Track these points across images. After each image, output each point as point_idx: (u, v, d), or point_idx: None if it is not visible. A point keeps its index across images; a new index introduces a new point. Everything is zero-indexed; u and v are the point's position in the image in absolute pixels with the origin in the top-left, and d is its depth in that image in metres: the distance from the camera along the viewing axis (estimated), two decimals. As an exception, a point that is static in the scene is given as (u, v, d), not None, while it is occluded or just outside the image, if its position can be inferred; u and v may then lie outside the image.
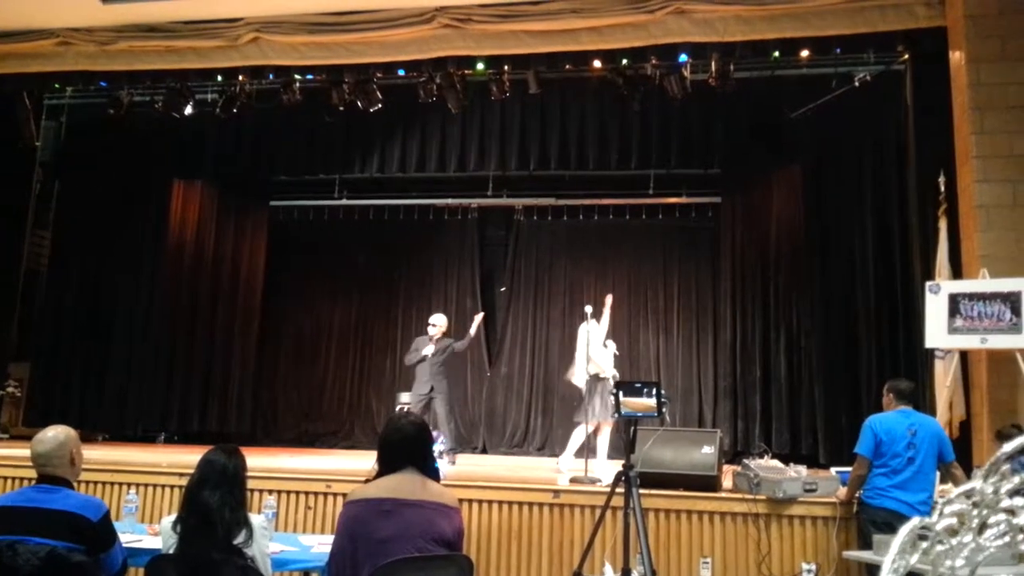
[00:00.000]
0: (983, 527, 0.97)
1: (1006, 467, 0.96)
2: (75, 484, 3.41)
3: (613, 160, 9.45)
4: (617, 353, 7.68)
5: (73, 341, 9.88)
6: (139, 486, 5.50)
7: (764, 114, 8.96)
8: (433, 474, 3.21)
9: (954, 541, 0.98)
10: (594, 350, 7.24)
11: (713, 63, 7.52)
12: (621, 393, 4.45)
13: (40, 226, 10.04)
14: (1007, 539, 0.95)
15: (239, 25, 7.65)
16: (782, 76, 8.09)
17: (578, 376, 7.28)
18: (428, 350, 8.19)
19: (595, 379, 7.17)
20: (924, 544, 1.00)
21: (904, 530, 1.00)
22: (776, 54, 7.49)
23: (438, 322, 8.49)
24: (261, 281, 11.50)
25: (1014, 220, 5.87)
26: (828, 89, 8.07)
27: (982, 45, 6.15)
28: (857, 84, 7.90)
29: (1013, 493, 1.02)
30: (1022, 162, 5.94)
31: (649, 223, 10.94)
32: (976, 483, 0.97)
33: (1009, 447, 0.96)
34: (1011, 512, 0.95)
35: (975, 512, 0.96)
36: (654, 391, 4.42)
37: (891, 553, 0.98)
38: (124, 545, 3.41)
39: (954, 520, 0.98)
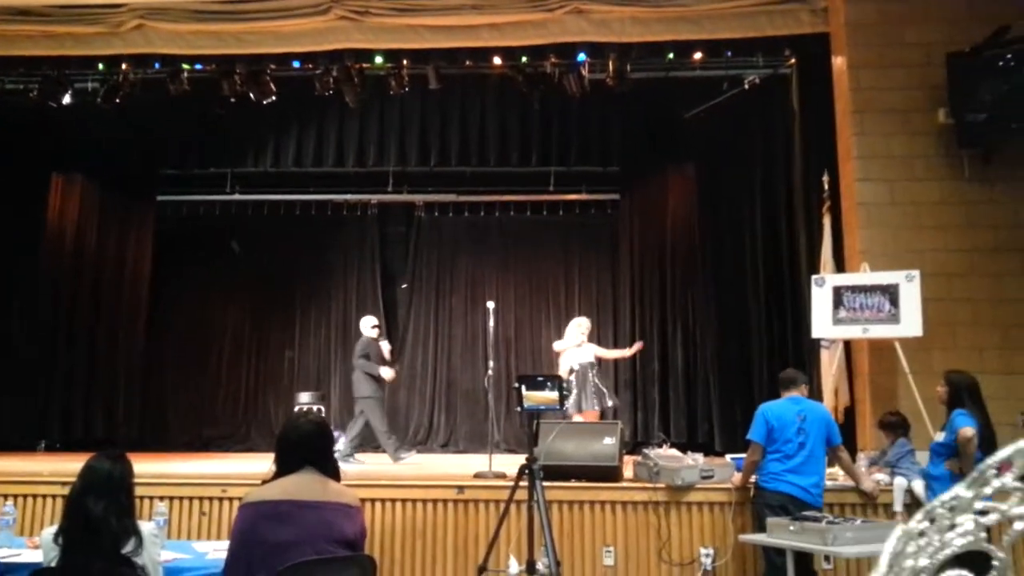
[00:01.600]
0: (951, 527, 0.98)
1: (990, 472, 0.98)
2: (-58, 497, 3.17)
3: (514, 157, 9.50)
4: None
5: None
6: (17, 497, 5.16)
7: (660, 114, 9.19)
8: (333, 474, 3.13)
9: (922, 542, 0.99)
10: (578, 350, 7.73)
11: (611, 63, 7.65)
12: (523, 387, 4.46)
13: (-98, 224, 9.28)
14: (971, 538, 0.97)
15: (122, 11, 7.29)
16: (676, 77, 8.30)
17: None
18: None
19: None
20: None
21: (893, 536, 1.00)
22: (671, 56, 7.69)
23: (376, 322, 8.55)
24: (148, 280, 10.96)
25: (892, 217, 6.22)
26: (720, 91, 8.35)
27: (862, 52, 6.49)
28: (747, 87, 8.20)
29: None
30: (899, 162, 6.30)
31: (550, 219, 11.06)
32: (959, 490, 0.99)
33: (997, 458, 0.99)
34: (982, 513, 0.97)
35: (948, 515, 0.98)
36: (556, 385, 4.45)
37: (883, 560, 0.99)
38: (1, 560, 3.19)
39: (926, 524, 1.00)
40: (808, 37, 7.03)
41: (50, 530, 3.02)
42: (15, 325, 9.52)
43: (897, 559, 0.96)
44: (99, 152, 9.90)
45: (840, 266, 6.42)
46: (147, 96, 8.36)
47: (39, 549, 3.22)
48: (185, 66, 7.93)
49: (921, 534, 0.97)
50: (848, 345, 6.30)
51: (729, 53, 7.69)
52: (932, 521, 0.98)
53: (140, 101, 8.39)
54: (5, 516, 4.22)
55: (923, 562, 0.96)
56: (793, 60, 7.56)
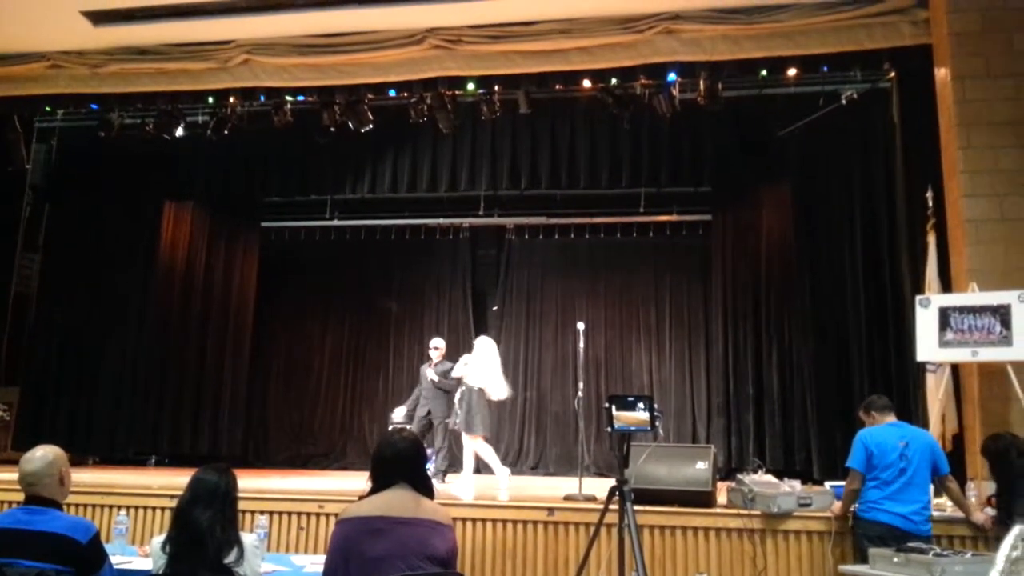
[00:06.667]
0: None
1: None
2: (63, 505, 3.37)
3: (604, 178, 9.49)
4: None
5: (63, 365, 9.80)
6: (130, 508, 5.45)
7: (753, 132, 9.03)
8: (426, 491, 3.19)
9: None
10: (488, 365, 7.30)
11: (701, 82, 7.57)
12: (614, 407, 4.44)
13: (30, 249, 10.00)
14: None
15: (230, 47, 7.69)
16: (770, 94, 8.16)
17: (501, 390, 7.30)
18: (430, 374, 8.18)
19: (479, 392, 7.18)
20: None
21: (1009, 539, 0.98)
22: (764, 72, 7.56)
23: (439, 345, 8.47)
24: (252, 302, 11.45)
25: (1002, 233, 5.92)
26: (816, 107, 8.17)
27: (967, 63, 6.23)
28: (844, 102, 7.99)
29: None
30: (1008, 176, 6.00)
31: (640, 241, 10.98)
32: None
33: None
34: None
35: None
36: (647, 405, 4.41)
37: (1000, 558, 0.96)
38: (115, 567, 3.37)
39: None
40: (909, 49, 6.78)
41: (159, 539, 3.15)
42: (130, 345, 10.07)
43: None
44: (208, 181, 10.43)
45: (946, 286, 6.14)
46: (253, 127, 8.80)
47: (149, 557, 3.39)
48: (288, 98, 8.30)
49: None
50: (956, 369, 6.00)
51: (825, 68, 7.50)
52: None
53: (246, 132, 8.84)
54: (119, 525, 4.46)
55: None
56: (893, 73, 7.32)
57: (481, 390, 7.13)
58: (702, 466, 5.35)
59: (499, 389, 7.27)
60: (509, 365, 11.16)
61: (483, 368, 7.24)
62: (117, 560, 3.55)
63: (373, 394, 11.42)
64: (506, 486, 6.86)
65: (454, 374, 7.55)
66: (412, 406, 8.32)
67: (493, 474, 7.20)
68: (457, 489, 6.59)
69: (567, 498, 5.78)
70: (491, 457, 7.14)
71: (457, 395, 7.32)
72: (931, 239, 6.29)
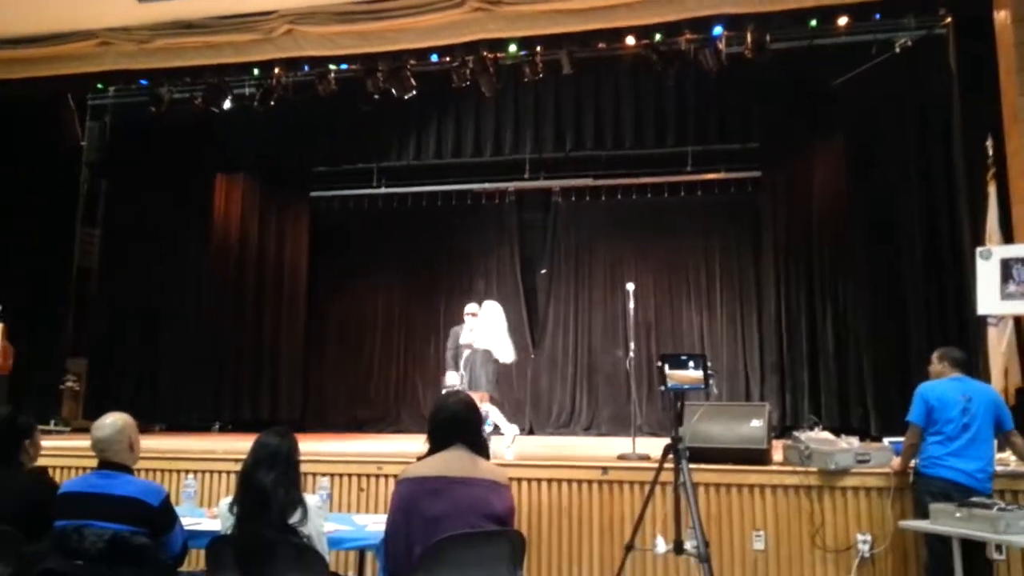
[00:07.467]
0: None
1: None
2: (134, 470, 3.50)
3: (650, 138, 9.38)
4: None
5: (127, 335, 10.13)
6: (196, 472, 5.63)
7: (803, 85, 8.82)
8: (483, 451, 3.24)
9: None
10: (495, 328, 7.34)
11: (749, 34, 7.38)
12: (667, 366, 4.42)
13: (89, 224, 10.28)
14: None
15: (273, 18, 7.71)
16: (821, 45, 7.94)
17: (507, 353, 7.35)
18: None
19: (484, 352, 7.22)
20: None
21: None
22: (813, 23, 7.34)
23: (475, 311, 8.52)
24: (305, 270, 11.67)
25: (1067, 182, 5.71)
26: (868, 57, 7.93)
27: (1028, 4, 5.97)
28: (898, 50, 7.74)
29: None
30: (1073, 121, 5.76)
31: (688, 200, 10.84)
32: None
33: None
34: None
35: None
36: (700, 363, 4.39)
37: None
38: (184, 528, 3.50)
39: None
40: (966, -8, 6.55)
41: (226, 500, 3.26)
42: (189, 315, 10.36)
43: None
44: (258, 153, 10.57)
45: (1008, 237, 5.95)
46: (298, 97, 8.86)
47: (217, 518, 3.51)
48: (332, 67, 8.33)
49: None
50: (1018, 322, 5.84)
51: (878, 16, 7.27)
52: None
53: (292, 102, 8.89)
54: (187, 488, 4.63)
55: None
56: (949, 19, 7.06)
57: (487, 351, 7.21)
58: (757, 424, 5.32)
59: (506, 352, 7.34)
60: (560, 328, 11.23)
61: (489, 330, 7.31)
62: (187, 522, 3.67)
63: (425, 358, 11.54)
64: (511, 445, 6.79)
65: (462, 340, 7.59)
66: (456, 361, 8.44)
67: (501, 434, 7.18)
68: (504, 449, 6.66)
69: (621, 457, 5.82)
70: (497, 416, 7.20)
71: (463, 357, 7.42)
72: (991, 189, 6.11)
